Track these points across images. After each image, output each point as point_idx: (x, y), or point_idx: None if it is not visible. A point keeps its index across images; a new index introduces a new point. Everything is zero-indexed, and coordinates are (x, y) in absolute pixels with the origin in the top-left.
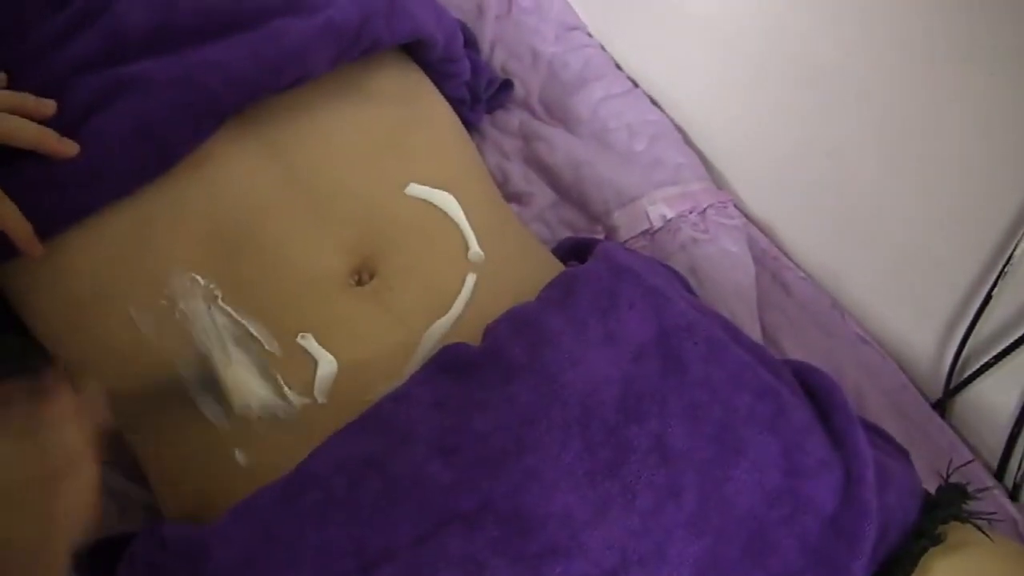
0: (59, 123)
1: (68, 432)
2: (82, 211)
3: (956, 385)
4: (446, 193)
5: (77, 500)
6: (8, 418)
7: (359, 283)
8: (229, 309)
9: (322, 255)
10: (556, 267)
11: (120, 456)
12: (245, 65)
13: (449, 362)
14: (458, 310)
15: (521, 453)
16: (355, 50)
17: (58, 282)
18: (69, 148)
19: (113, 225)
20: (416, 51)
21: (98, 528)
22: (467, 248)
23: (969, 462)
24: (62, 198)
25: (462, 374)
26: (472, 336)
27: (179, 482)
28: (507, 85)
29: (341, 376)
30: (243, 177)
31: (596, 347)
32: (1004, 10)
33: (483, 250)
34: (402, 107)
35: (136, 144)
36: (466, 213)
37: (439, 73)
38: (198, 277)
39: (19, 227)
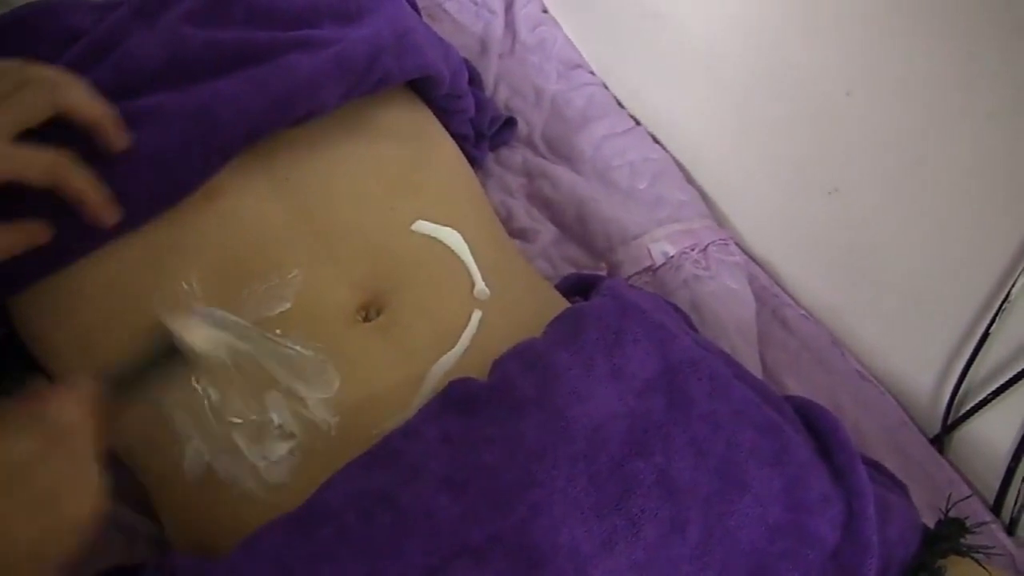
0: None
1: (61, 411)
2: (93, 241)
3: (954, 421)
4: (452, 230)
5: (71, 483)
6: None
7: (366, 319)
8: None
9: (331, 290)
10: (560, 303)
11: (127, 489)
12: (255, 99)
13: (457, 397)
14: (464, 345)
15: (529, 487)
16: (364, 85)
17: (68, 312)
18: (122, 140)
19: (124, 255)
20: (422, 87)
21: (106, 560)
22: (473, 285)
23: (967, 497)
24: (73, 228)
25: (470, 409)
26: (478, 370)
27: (187, 514)
28: (511, 123)
29: (349, 410)
30: (254, 212)
31: (602, 382)
32: (1003, 54)
33: (488, 286)
34: (410, 144)
35: (148, 175)
36: (471, 250)
37: (444, 109)
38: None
39: (88, 193)
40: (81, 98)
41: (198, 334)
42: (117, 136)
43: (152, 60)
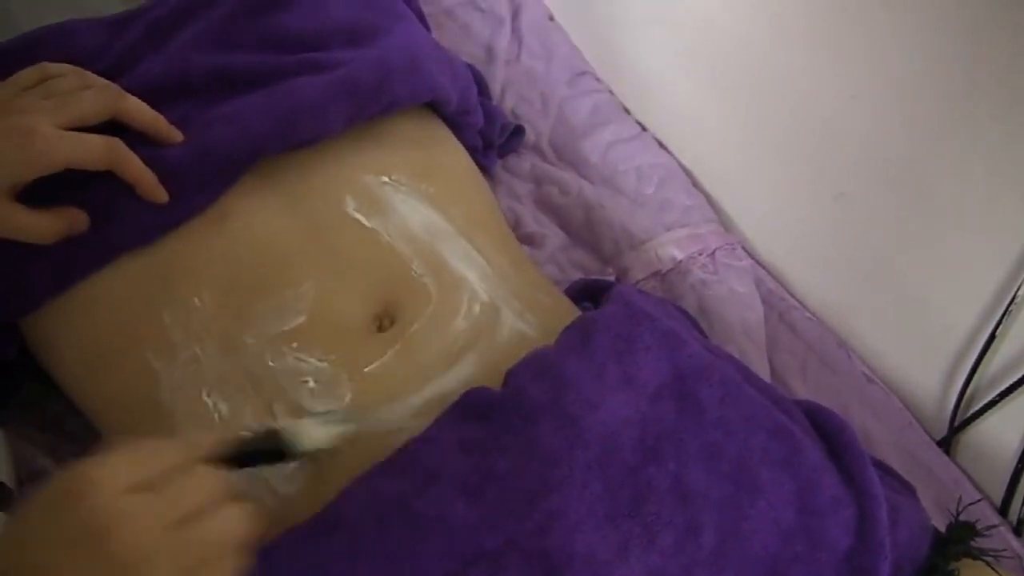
0: (77, 173)
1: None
2: (98, 260)
3: (960, 423)
4: (467, 245)
5: None
6: None
7: (380, 329)
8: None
9: (345, 302)
10: (570, 309)
11: None
12: (259, 121)
13: (472, 406)
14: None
15: (544, 494)
16: (372, 108)
17: (78, 331)
18: (176, 136)
19: (134, 275)
20: (430, 103)
21: None
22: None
23: (977, 501)
24: (79, 247)
25: (485, 417)
26: (493, 380)
27: None
28: (519, 131)
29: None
30: (264, 229)
31: (614, 390)
32: (1006, 57)
33: (500, 294)
34: (419, 153)
35: None
36: (484, 258)
37: (453, 124)
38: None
39: (144, 175)
40: (138, 104)
41: (311, 436)
42: (171, 133)
43: (158, 86)
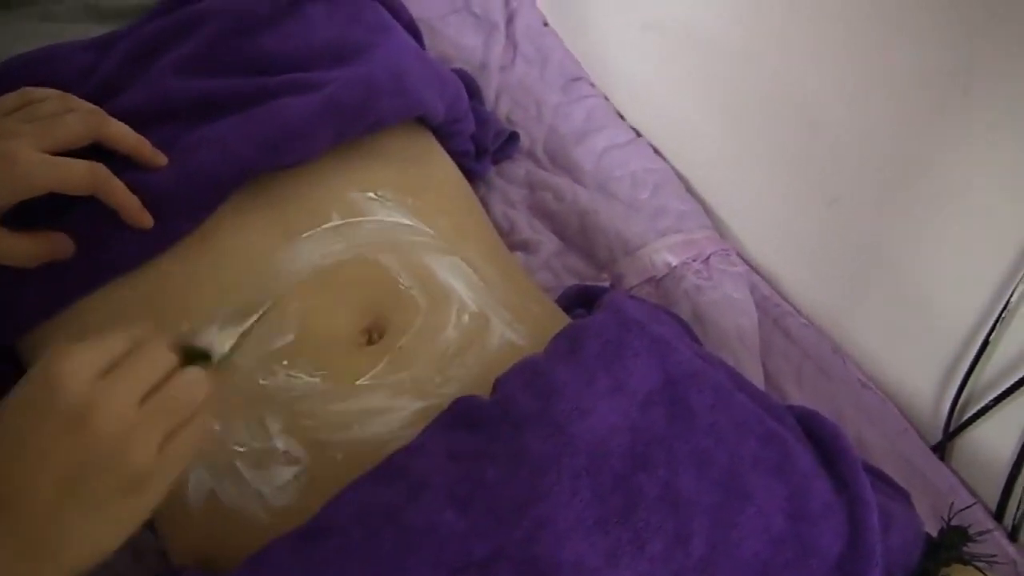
0: (62, 200)
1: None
2: (88, 286)
3: (955, 428)
4: (454, 257)
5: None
6: None
7: (370, 342)
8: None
9: (333, 317)
10: (560, 318)
11: None
12: (244, 143)
13: (461, 415)
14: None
15: (533, 502)
16: (357, 128)
17: None
18: (160, 160)
19: (124, 298)
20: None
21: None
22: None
23: (971, 505)
24: (68, 272)
25: (474, 426)
26: (482, 389)
27: (190, 535)
28: (513, 137)
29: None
30: (251, 245)
31: (604, 397)
32: (1005, 63)
33: (489, 305)
34: (407, 167)
35: None
36: (472, 268)
37: (442, 133)
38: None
39: (128, 200)
40: (121, 128)
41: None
42: (155, 157)
43: (142, 110)
